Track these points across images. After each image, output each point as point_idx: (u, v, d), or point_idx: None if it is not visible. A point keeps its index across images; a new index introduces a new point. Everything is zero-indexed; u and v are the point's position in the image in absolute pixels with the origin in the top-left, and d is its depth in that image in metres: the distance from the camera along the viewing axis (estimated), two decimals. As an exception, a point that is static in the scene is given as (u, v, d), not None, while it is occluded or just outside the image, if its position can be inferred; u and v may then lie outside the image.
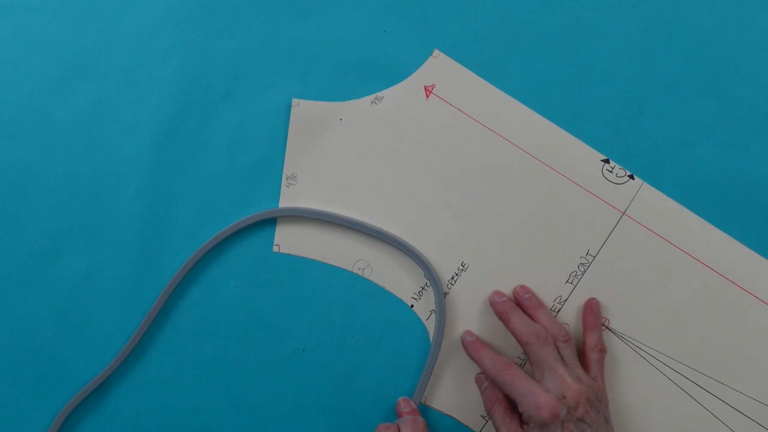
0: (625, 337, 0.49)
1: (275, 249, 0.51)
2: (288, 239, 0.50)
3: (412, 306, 0.50)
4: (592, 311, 0.49)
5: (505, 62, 0.51)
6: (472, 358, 0.48)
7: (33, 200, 0.50)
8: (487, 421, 0.50)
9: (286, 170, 0.51)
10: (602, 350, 0.48)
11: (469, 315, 0.50)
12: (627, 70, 0.51)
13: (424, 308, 0.50)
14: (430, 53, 0.51)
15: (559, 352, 0.46)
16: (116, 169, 0.51)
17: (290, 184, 0.50)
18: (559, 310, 0.50)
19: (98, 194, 0.50)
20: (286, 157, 0.51)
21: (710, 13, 0.51)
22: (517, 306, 0.49)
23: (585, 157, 0.50)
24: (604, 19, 0.51)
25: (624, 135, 0.50)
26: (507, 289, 0.50)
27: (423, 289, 0.50)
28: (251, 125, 0.51)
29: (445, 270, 0.50)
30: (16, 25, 0.51)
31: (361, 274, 0.50)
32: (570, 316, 0.50)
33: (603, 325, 0.50)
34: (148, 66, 0.51)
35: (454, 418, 0.50)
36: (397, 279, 0.50)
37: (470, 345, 0.49)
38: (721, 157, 0.50)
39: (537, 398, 0.43)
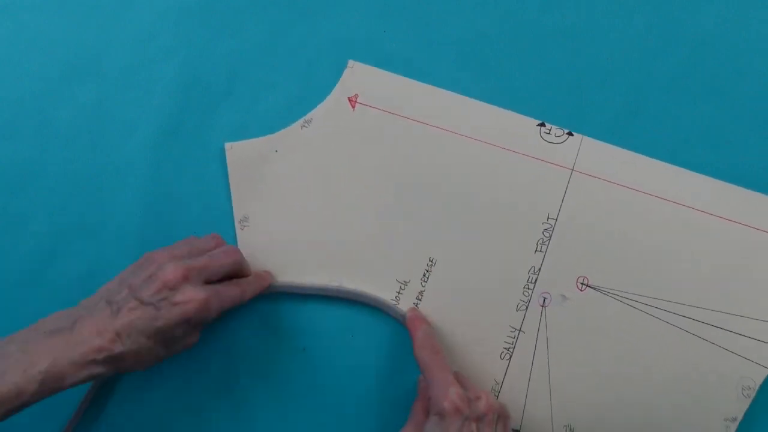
0: (608, 290, 0.49)
1: None
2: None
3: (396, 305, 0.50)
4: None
5: (505, 62, 0.51)
6: (410, 333, 0.47)
7: (33, 200, 0.50)
8: None
9: (236, 214, 0.50)
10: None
11: (447, 307, 0.50)
12: (627, 70, 0.51)
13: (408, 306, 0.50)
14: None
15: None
16: (116, 169, 0.51)
17: (244, 226, 0.50)
18: (536, 281, 0.49)
19: (98, 194, 0.50)
20: (233, 201, 0.50)
21: (710, 13, 0.51)
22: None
23: (520, 125, 0.50)
24: (604, 19, 0.51)
25: (623, 135, 0.50)
26: (479, 274, 0.49)
27: (398, 293, 0.50)
28: (251, 125, 0.51)
29: (415, 270, 0.50)
30: (16, 25, 0.51)
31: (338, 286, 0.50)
32: (547, 285, 0.49)
33: (583, 284, 0.49)
34: (149, 66, 0.51)
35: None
36: (374, 287, 0.50)
37: (410, 320, 0.48)
38: (721, 157, 0.50)
39: (446, 388, 0.42)
